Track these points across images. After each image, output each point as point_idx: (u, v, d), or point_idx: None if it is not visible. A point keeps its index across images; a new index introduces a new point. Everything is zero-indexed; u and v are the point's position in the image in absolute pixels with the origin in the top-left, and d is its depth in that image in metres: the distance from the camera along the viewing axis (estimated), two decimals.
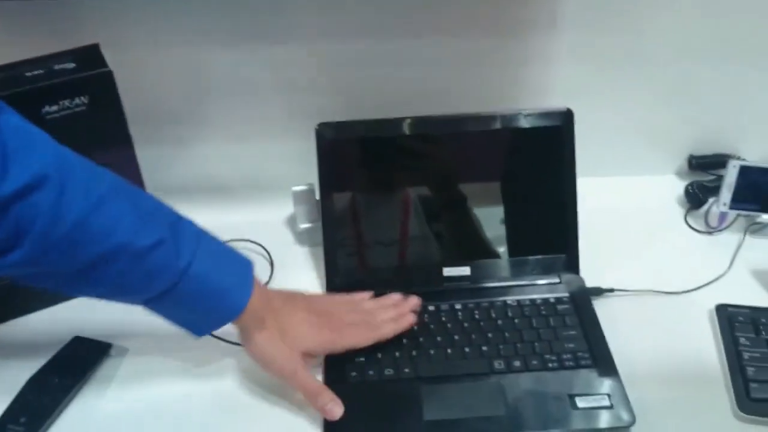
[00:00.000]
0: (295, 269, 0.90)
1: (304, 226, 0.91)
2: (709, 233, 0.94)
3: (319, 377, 0.74)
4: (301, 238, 0.93)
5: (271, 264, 0.90)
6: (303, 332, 0.72)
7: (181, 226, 0.65)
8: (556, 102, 0.84)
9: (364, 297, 0.80)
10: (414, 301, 0.79)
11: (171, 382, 0.75)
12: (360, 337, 0.74)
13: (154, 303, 0.65)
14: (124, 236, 0.59)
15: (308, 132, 0.82)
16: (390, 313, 0.77)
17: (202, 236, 0.66)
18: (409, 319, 0.77)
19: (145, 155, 0.83)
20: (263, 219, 0.94)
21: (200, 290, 0.64)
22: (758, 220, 0.93)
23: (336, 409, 0.69)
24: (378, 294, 0.81)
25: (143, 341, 0.80)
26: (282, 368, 0.70)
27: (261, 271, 0.89)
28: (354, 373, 0.74)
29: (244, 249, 0.92)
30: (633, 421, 0.68)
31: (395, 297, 0.80)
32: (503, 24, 0.89)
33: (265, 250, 0.92)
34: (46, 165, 0.55)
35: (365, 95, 0.93)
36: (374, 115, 0.83)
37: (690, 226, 0.96)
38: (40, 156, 0.56)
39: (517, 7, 0.88)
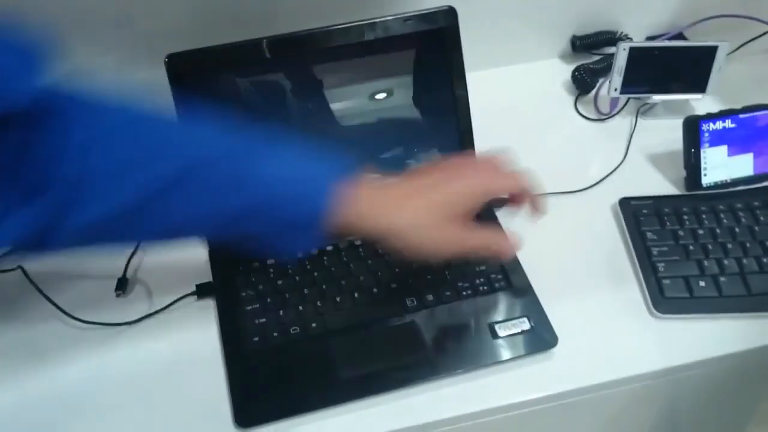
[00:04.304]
0: None
1: None
2: (601, 120, 0.91)
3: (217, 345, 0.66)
4: None
5: None
6: (444, 191, 0.58)
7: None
8: None
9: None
10: None
11: None
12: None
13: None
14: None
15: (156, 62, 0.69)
16: None
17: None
18: None
19: None
20: None
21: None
22: (648, 101, 0.90)
23: (508, 247, 0.61)
24: None
25: None
26: (446, 251, 0.58)
27: None
28: (256, 338, 0.66)
29: None
30: (556, 341, 0.66)
31: None
32: None
33: None
34: None
35: (218, 13, 0.80)
36: (232, 36, 0.71)
37: (581, 114, 0.92)
38: None
39: None
